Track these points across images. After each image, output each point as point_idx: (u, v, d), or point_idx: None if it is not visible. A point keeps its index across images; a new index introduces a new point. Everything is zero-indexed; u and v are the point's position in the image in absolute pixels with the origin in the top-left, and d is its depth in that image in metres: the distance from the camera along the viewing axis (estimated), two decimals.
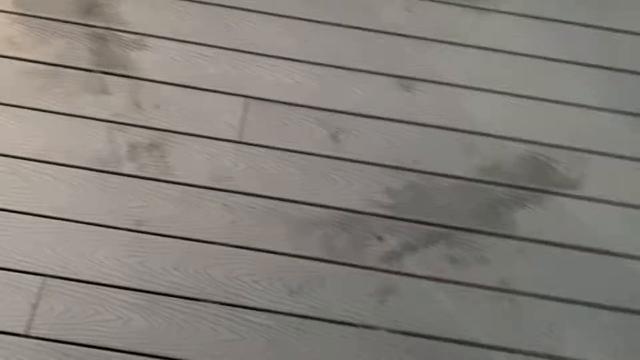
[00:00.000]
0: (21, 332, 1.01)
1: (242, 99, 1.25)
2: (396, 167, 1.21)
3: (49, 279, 1.05)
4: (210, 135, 1.21)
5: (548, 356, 1.06)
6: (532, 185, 1.20)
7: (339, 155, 1.21)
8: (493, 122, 1.26)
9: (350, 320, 1.06)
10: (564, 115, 1.29)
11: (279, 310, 1.06)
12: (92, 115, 1.21)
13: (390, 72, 1.31)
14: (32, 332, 1.01)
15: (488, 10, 1.40)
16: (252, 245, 1.11)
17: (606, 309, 1.10)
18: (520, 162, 1.23)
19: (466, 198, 1.18)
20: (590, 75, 1.34)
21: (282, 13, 1.35)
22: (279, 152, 1.21)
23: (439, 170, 1.21)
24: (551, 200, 1.19)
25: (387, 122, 1.26)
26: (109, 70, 1.26)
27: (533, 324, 1.08)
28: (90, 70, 1.26)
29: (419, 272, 1.11)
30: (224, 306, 1.06)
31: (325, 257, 1.11)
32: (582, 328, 1.09)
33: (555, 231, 1.16)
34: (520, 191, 1.20)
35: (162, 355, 1.01)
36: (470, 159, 1.22)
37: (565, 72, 1.35)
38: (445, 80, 1.31)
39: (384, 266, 1.11)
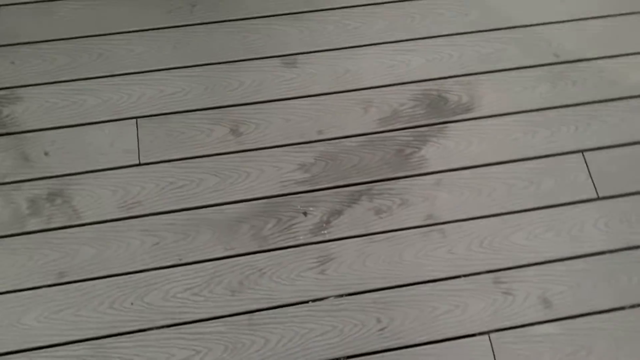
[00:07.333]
0: None
1: (131, 121, 1.22)
2: (303, 142, 1.22)
3: None
4: (109, 166, 1.17)
5: (488, 271, 1.10)
6: (431, 121, 1.24)
7: (244, 147, 1.21)
8: (380, 74, 1.29)
9: (298, 299, 1.07)
10: (445, 49, 1.33)
11: (226, 313, 1.05)
12: None
13: (270, 54, 1.31)
14: None
15: None
16: (182, 261, 1.09)
17: (534, 209, 1.16)
18: (415, 103, 1.26)
19: (374, 151, 1.21)
20: None
21: (142, 27, 1.32)
22: (183, 163, 1.19)
23: (343, 133, 1.23)
24: (452, 128, 1.24)
25: (281, 102, 1.26)
26: None
27: (465, 246, 1.12)
28: None
29: (349, 233, 1.12)
30: (169, 328, 1.03)
31: (258, 248, 1.11)
32: (512, 237, 1.14)
33: (463, 156, 1.21)
34: (422, 129, 1.23)
35: None
36: (368, 114, 1.25)
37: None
38: (325, 47, 1.32)
39: (316, 238, 1.12)
